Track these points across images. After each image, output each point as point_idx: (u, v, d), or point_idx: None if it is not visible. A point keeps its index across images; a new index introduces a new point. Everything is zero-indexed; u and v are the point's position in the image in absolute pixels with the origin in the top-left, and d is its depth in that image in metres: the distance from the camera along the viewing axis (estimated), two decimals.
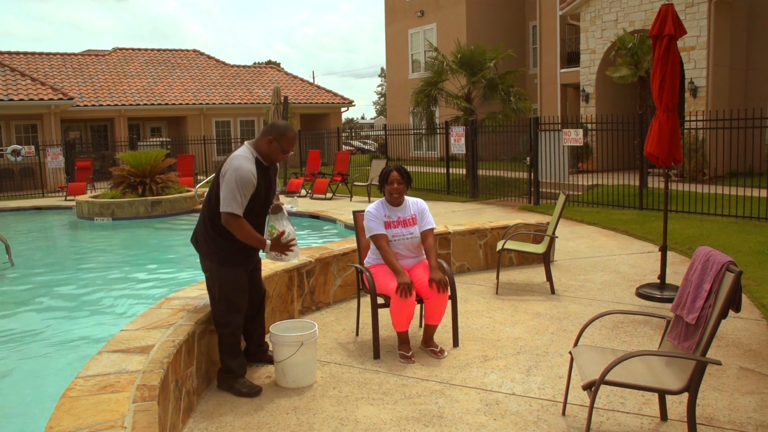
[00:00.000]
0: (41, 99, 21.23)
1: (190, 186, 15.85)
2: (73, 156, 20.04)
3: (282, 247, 4.00)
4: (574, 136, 11.97)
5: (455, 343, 4.69)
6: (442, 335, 4.85)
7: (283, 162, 16.45)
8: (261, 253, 4.16)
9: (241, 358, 4.02)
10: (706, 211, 10.34)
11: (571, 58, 21.38)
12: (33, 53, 27.64)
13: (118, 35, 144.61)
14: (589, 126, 15.69)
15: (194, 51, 32.00)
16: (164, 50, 31.26)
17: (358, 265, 4.91)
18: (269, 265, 5.16)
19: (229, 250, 3.91)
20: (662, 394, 3.35)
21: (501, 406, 3.70)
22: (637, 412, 3.57)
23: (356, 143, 45.36)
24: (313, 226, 11.08)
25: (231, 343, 3.95)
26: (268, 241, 3.96)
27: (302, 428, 3.48)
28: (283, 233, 4.00)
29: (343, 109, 31.22)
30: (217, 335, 4.02)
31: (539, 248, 6.43)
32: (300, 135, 24.04)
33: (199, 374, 3.90)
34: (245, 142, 4.00)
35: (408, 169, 4.78)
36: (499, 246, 6.44)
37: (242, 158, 3.81)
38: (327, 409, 3.71)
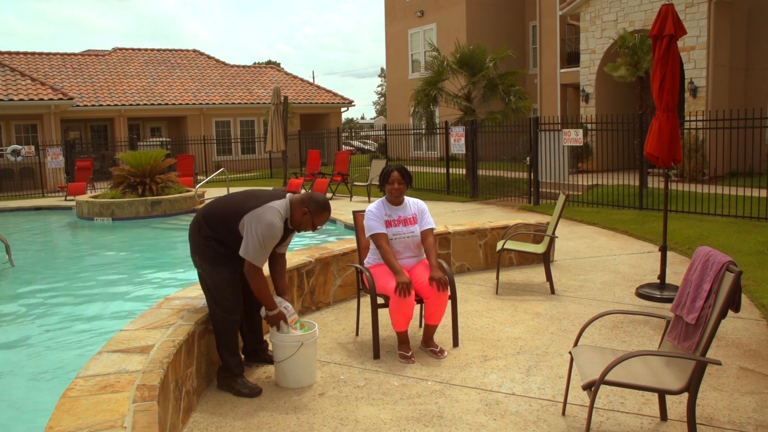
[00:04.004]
0: (41, 99, 21.23)
1: (190, 186, 15.83)
2: (73, 156, 20.05)
3: (274, 321, 4.00)
4: (574, 136, 11.97)
5: (455, 343, 4.69)
6: (442, 335, 4.85)
7: (283, 162, 16.45)
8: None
9: (238, 356, 4.02)
10: (706, 211, 10.34)
11: (571, 58, 21.39)
12: (33, 53, 27.65)
13: (118, 35, 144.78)
14: (589, 126, 15.68)
15: (194, 51, 32.02)
16: (164, 50, 31.27)
17: (358, 265, 4.91)
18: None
19: (220, 250, 3.92)
20: (662, 394, 3.35)
21: (501, 406, 3.70)
22: (637, 412, 3.57)
23: (356, 143, 45.37)
24: None
25: (228, 341, 3.95)
26: (276, 312, 3.96)
27: (302, 428, 3.48)
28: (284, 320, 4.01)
29: (343, 109, 31.23)
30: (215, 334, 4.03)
31: (539, 248, 6.43)
32: (300, 135, 24.06)
33: (199, 374, 3.90)
34: (287, 195, 3.99)
35: (408, 169, 4.79)
36: (499, 246, 6.44)
37: (276, 214, 3.83)
38: (327, 409, 3.71)
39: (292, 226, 4.00)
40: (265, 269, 4.43)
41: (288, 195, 4.01)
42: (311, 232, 4.09)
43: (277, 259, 4.26)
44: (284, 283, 4.29)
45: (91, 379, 2.98)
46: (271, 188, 4.21)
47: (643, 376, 3.14)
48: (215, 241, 3.92)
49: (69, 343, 5.47)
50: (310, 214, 3.93)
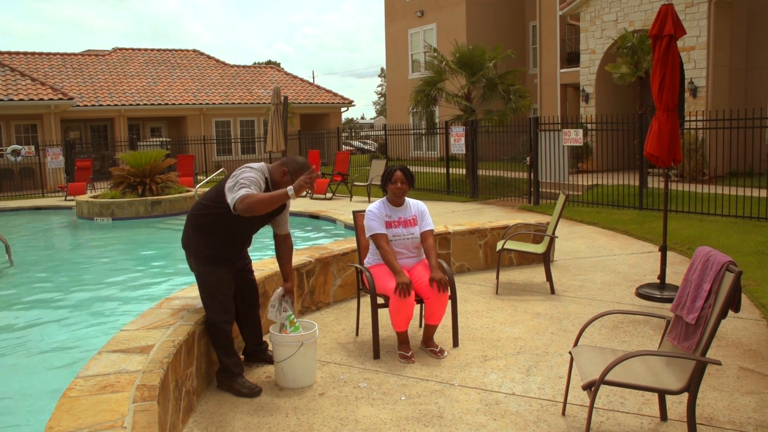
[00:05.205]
0: (41, 99, 21.23)
1: (190, 186, 15.85)
2: (73, 156, 20.04)
3: (305, 184, 3.71)
4: (574, 136, 11.97)
5: (455, 343, 4.69)
6: (442, 335, 4.85)
7: None
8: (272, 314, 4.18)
9: (235, 356, 4.02)
10: (706, 211, 10.34)
11: (571, 58, 21.39)
12: (33, 53, 27.65)
13: (118, 34, 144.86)
14: (589, 126, 15.69)
15: (194, 51, 32.02)
16: (164, 50, 31.27)
17: (358, 265, 4.91)
18: (269, 265, 5.16)
19: (213, 249, 3.93)
20: (662, 394, 3.35)
21: (501, 406, 3.70)
22: (637, 412, 3.57)
23: (356, 143, 45.38)
24: (313, 226, 11.08)
25: (223, 343, 3.95)
26: (290, 188, 3.71)
27: (302, 428, 3.48)
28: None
29: (343, 109, 31.22)
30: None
31: (539, 248, 6.43)
32: (300, 135, 24.06)
33: (199, 374, 3.90)
34: (262, 163, 4.02)
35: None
36: (499, 246, 6.44)
37: (254, 171, 3.84)
38: (327, 409, 3.71)
39: (272, 187, 3.96)
40: (269, 261, 4.39)
41: (263, 162, 4.02)
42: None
43: (281, 242, 4.27)
44: (290, 268, 4.29)
45: (91, 379, 2.98)
46: None
47: (643, 376, 3.14)
48: (203, 233, 3.93)
49: (69, 343, 5.47)
50: (290, 174, 3.90)
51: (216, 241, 3.93)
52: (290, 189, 3.69)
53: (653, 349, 4.20)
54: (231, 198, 3.69)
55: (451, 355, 4.51)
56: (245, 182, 3.72)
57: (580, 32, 18.69)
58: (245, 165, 3.91)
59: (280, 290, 4.19)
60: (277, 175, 3.93)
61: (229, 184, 3.79)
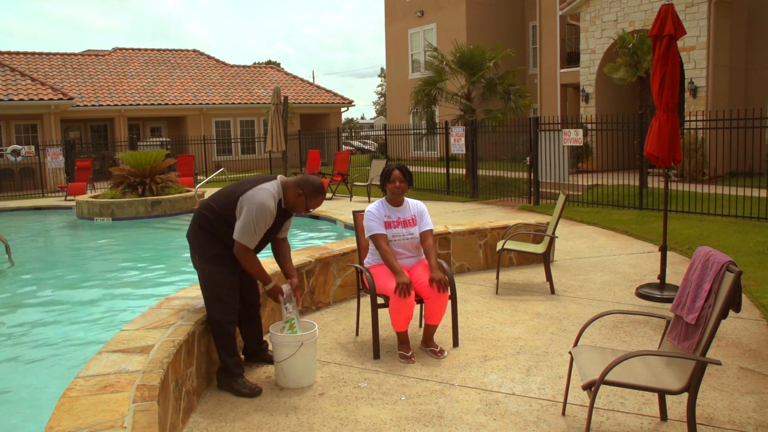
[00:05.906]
0: (41, 99, 21.23)
1: (190, 186, 15.84)
2: (73, 156, 20.04)
3: (273, 295, 4.08)
4: (574, 136, 11.97)
5: (455, 343, 4.69)
6: (442, 335, 4.85)
7: (283, 162, 16.46)
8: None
9: (237, 356, 4.02)
10: (706, 211, 10.34)
11: (571, 58, 21.39)
12: (33, 53, 27.66)
13: (118, 34, 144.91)
14: (589, 126, 15.69)
15: (194, 51, 32.02)
16: (164, 50, 31.28)
17: (358, 265, 4.91)
18: (269, 265, 5.16)
19: (218, 249, 3.93)
20: (662, 394, 3.35)
21: (501, 406, 3.70)
22: (637, 412, 3.57)
23: (356, 143, 45.39)
24: (313, 226, 11.08)
25: (225, 342, 3.95)
26: (272, 285, 4.04)
27: (302, 428, 3.48)
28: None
29: (343, 109, 31.23)
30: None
31: (539, 248, 6.43)
32: (300, 135, 24.06)
33: (199, 374, 3.90)
34: (278, 177, 4.01)
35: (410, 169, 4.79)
36: (499, 246, 6.44)
37: (269, 195, 3.85)
38: (327, 409, 3.71)
39: (285, 206, 3.99)
40: (269, 262, 4.39)
41: (279, 177, 4.02)
42: (303, 214, 4.10)
43: (279, 244, 4.28)
44: (291, 266, 4.31)
45: (91, 379, 2.98)
46: (257, 173, 4.23)
47: (643, 376, 3.14)
48: (210, 234, 3.93)
49: (69, 343, 5.46)
50: (305, 196, 3.94)
51: (221, 243, 3.93)
52: (269, 286, 4.01)
53: (653, 349, 4.20)
54: (238, 232, 3.80)
55: (451, 355, 4.51)
56: (252, 227, 3.79)
57: (580, 32, 18.69)
58: (262, 185, 3.89)
59: (287, 288, 4.15)
60: (291, 196, 3.95)
61: (243, 206, 3.80)
